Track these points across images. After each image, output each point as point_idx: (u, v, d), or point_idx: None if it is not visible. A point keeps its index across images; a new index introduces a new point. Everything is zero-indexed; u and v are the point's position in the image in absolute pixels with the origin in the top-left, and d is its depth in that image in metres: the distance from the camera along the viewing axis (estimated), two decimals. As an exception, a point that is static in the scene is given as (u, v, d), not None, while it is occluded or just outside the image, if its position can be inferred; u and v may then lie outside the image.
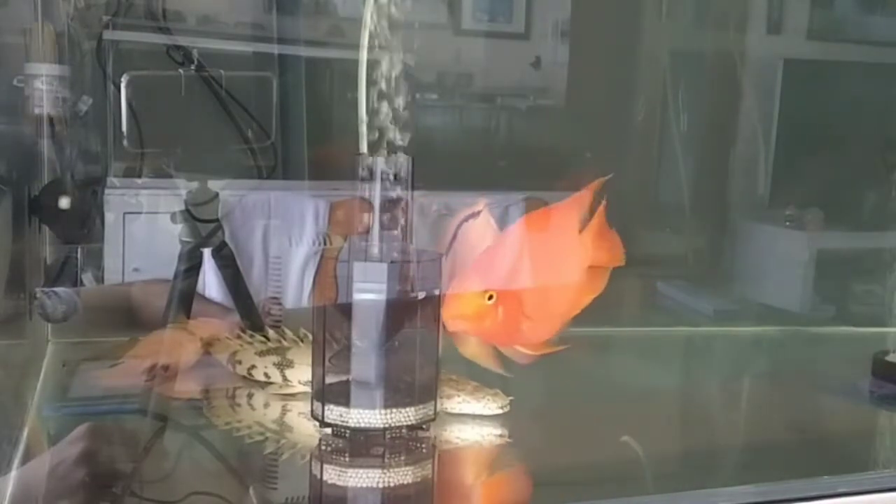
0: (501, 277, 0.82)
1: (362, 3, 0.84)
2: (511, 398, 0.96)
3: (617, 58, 2.25)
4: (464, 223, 0.93)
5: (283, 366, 1.01)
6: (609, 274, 0.93)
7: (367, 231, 0.84)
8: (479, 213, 0.93)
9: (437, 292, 0.84)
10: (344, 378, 0.84)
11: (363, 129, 0.85)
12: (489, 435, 0.93)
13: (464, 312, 0.81)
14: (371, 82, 0.84)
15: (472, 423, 0.94)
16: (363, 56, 0.84)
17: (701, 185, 2.24)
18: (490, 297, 0.81)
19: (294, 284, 1.49)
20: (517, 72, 2.35)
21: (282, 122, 1.47)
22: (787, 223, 2.35)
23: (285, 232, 1.50)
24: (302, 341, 1.03)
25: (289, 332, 1.05)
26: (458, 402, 0.95)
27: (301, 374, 0.99)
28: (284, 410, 0.97)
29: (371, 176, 0.84)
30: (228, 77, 1.39)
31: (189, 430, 0.97)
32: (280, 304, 1.34)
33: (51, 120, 1.25)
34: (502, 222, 0.94)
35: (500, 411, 0.95)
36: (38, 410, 0.96)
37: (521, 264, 0.84)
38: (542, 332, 0.87)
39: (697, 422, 1.09)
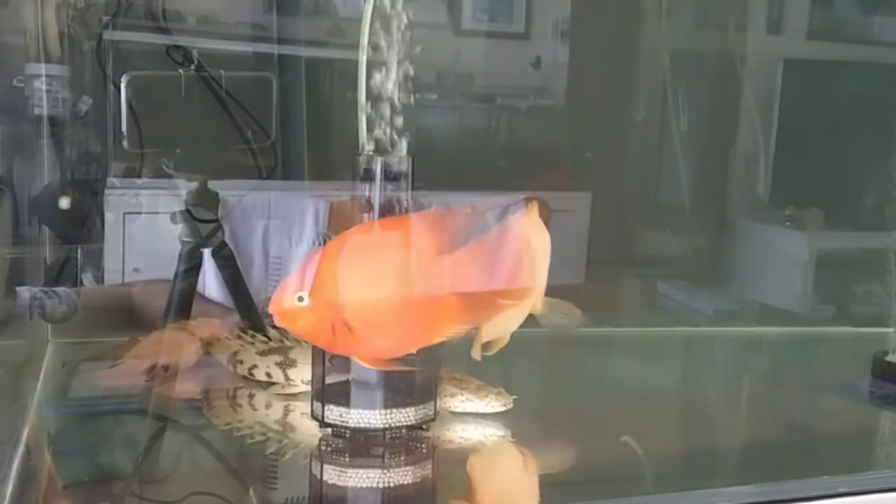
0: (322, 282, 0.79)
1: (363, 2, 0.84)
2: (514, 397, 0.96)
3: (617, 58, 2.25)
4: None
5: (285, 365, 1.01)
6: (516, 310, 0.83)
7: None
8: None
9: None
10: (344, 378, 0.84)
11: (363, 128, 0.85)
12: (492, 434, 0.93)
13: (275, 309, 0.79)
14: (371, 83, 0.84)
15: (475, 422, 0.94)
16: (363, 56, 0.84)
17: (701, 185, 2.24)
18: (301, 299, 0.78)
19: (294, 284, 1.49)
20: (517, 72, 2.35)
21: (282, 122, 1.47)
22: (787, 223, 2.35)
23: (285, 232, 1.50)
24: (304, 340, 1.03)
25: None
26: (462, 401, 0.95)
27: (304, 374, 0.98)
28: (287, 410, 0.97)
29: (371, 176, 0.84)
30: (228, 77, 1.39)
31: (190, 430, 0.97)
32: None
33: (51, 120, 1.25)
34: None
35: (503, 409, 0.95)
36: (39, 410, 0.96)
37: (345, 272, 0.78)
38: (374, 348, 0.80)
39: (698, 422, 1.09)
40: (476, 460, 0.90)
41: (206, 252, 1.23)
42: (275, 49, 1.68)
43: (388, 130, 0.84)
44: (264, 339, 1.06)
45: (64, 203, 1.23)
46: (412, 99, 0.84)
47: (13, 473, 0.80)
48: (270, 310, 0.79)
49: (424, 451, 0.85)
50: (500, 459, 0.92)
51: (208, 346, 1.09)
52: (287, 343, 1.03)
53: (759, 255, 2.32)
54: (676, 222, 2.22)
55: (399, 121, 0.84)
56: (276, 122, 1.42)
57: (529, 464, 0.91)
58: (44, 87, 1.24)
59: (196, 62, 1.36)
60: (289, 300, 0.78)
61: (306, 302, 0.77)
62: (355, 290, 0.78)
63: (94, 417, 0.99)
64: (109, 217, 1.34)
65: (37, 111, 1.24)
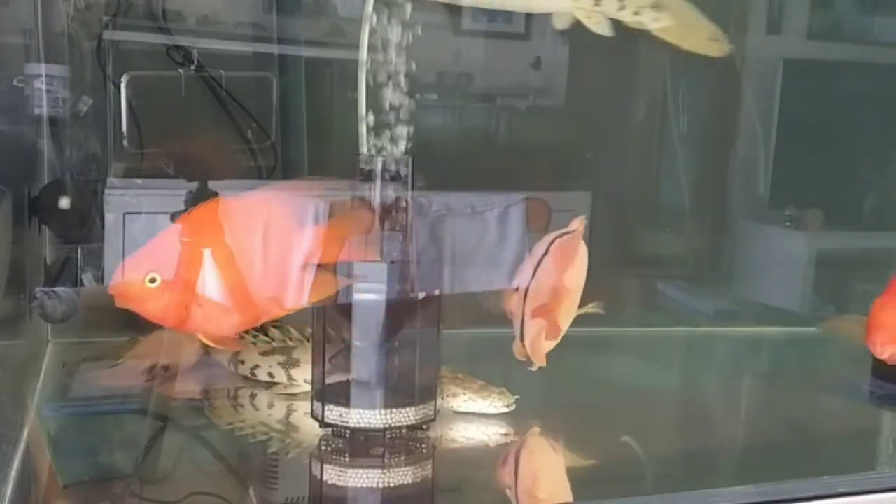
0: (172, 263, 0.79)
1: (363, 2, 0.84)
2: (517, 397, 0.96)
3: (617, 58, 2.25)
4: (557, 239, 0.94)
5: (288, 365, 1.01)
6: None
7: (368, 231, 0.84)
8: (574, 231, 0.94)
9: (437, 292, 0.84)
10: (344, 378, 0.84)
11: (363, 128, 0.85)
12: (494, 434, 0.93)
13: (119, 290, 0.79)
14: (371, 85, 0.84)
15: (478, 422, 0.95)
16: (363, 56, 0.84)
17: (701, 185, 2.24)
18: (153, 280, 0.79)
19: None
20: (517, 72, 2.34)
21: (282, 122, 1.47)
22: (787, 223, 2.34)
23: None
24: (308, 340, 1.03)
25: (294, 332, 1.05)
26: (464, 401, 0.95)
27: (307, 374, 0.98)
28: (290, 410, 0.97)
29: (370, 176, 0.84)
30: (228, 77, 1.39)
31: (190, 430, 0.97)
32: (280, 304, 1.33)
33: (51, 120, 1.25)
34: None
35: (505, 410, 0.96)
36: (38, 410, 0.96)
37: (196, 251, 0.81)
38: (222, 325, 0.82)
39: (698, 422, 1.09)
40: (479, 459, 0.90)
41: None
42: (275, 49, 1.68)
43: (388, 131, 0.84)
44: (266, 338, 1.06)
45: (64, 203, 1.23)
46: (412, 99, 0.84)
47: (13, 473, 0.80)
48: (112, 291, 0.79)
49: (424, 451, 0.85)
50: (502, 458, 0.92)
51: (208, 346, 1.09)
52: (290, 343, 1.03)
53: (759, 255, 2.32)
54: (676, 222, 2.21)
55: (401, 126, 0.84)
56: (276, 122, 1.42)
57: (531, 463, 0.91)
58: (44, 87, 1.23)
59: (196, 62, 1.36)
60: (139, 282, 0.78)
61: (158, 283, 0.78)
62: (208, 270, 0.78)
63: (94, 417, 0.99)
64: (109, 217, 1.33)
65: (37, 111, 1.24)
